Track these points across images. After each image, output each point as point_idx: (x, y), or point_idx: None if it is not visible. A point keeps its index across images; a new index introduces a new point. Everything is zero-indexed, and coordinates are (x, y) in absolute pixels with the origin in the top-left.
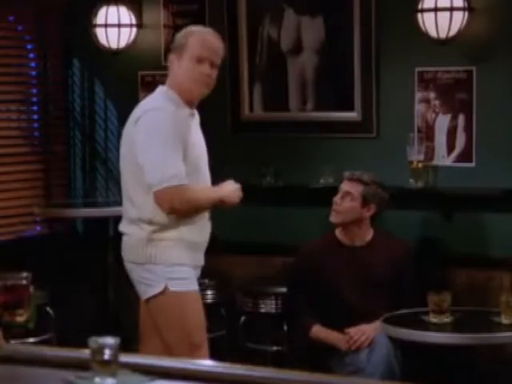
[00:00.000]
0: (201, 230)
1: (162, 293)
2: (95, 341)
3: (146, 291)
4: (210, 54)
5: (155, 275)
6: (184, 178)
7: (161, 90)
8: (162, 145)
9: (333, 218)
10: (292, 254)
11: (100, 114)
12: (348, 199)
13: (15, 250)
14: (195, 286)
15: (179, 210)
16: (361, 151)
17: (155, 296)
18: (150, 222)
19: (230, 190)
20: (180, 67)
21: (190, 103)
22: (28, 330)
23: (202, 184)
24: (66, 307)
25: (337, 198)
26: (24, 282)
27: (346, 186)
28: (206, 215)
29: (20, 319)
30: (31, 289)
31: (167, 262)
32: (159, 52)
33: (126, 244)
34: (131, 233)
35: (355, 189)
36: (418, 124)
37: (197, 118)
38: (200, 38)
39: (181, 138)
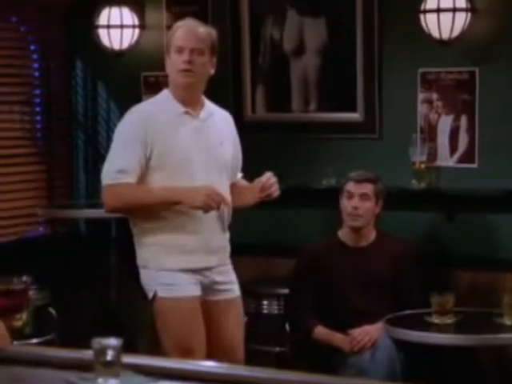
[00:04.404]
0: (194, 233)
1: (154, 298)
2: (98, 342)
3: (147, 296)
4: (190, 41)
5: (149, 280)
6: (127, 176)
7: (161, 92)
8: (116, 145)
9: (354, 223)
10: (294, 256)
11: (103, 115)
12: (365, 200)
13: (18, 251)
14: (183, 293)
15: (117, 207)
16: (363, 152)
17: (150, 301)
18: (134, 225)
19: (193, 193)
20: (168, 64)
21: (186, 101)
22: (25, 335)
23: (187, 184)
24: (69, 308)
25: (354, 203)
26: (22, 286)
27: (358, 188)
28: (203, 215)
29: (17, 324)
30: (30, 293)
31: (157, 267)
32: (162, 53)
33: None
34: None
35: (368, 189)
36: (421, 125)
37: (206, 118)
38: (180, 30)
39: (144, 137)
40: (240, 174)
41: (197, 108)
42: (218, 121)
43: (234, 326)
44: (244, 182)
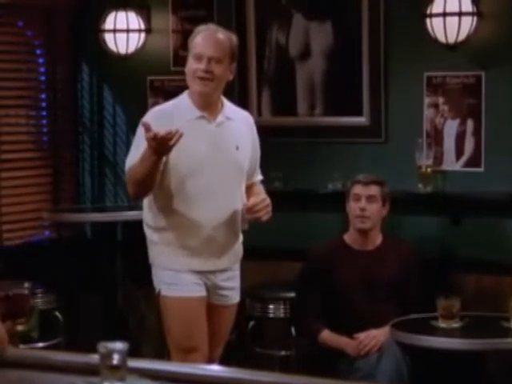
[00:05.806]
0: (200, 235)
1: (158, 296)
2: (104, 346)
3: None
4: (209, 49)
5: (155, 277)
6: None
7: (182, 94)
8: (133, 143)
9: (362, 225)
10: (300, 259)
11: (109, 119)
12: (372, 202)
13: (24, 254)
14: (185, 293)
15: (130, 191)
16: (369, 156)
17: (156, 298)
18: (147, 225)
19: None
20: (187, 66)
21: (202, 105)
22: (32, 339)
23: (198, 188)
24: (75, 312)
25: (362, 205)
26: (25, 291)
27: (365, 190)
28: (203, 220)
29: (21, 328)
30: (32, 298)
31: (161, 266)
32: (168, 57)
33: None
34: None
35: (375, 191)
36: (427, 129)
37: (222, 122)
38: (200, 36)
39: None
40: (260, 177)
41: (214, 112)
42: (237, 124)
43: (223, 325)
44: (259, 189)
